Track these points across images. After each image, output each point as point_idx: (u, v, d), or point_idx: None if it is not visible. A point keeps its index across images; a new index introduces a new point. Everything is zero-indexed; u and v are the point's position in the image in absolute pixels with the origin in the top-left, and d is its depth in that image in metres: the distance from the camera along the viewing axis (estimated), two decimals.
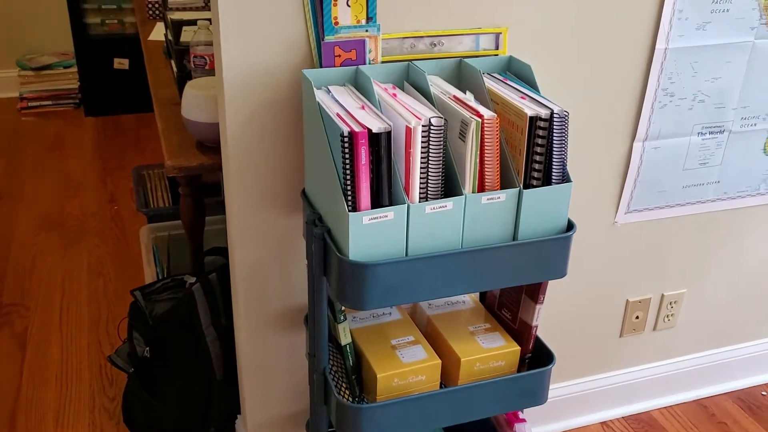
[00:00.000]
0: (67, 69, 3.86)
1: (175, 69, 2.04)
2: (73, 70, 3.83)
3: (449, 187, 1.10)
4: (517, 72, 1.25)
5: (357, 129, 1.02)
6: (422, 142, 1.04)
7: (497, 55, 1.30)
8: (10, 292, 2.43)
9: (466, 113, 1.07)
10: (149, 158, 3.27)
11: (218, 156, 1.46)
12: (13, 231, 2.79)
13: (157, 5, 2.59)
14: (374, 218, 1.04)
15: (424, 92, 1.16)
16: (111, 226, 2.85)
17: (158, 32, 2.47)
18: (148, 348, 1.73)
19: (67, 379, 2.07)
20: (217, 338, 1.67)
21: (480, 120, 1.06)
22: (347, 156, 1.02)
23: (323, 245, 1.13)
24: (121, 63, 3.69)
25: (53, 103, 3.88)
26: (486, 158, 1.08)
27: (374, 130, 1.02)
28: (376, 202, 1.06)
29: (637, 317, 1.78)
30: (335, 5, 1.16)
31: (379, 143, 1.03)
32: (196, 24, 1.91)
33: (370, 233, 1.05)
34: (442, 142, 1.05)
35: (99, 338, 2.23)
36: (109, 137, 3.62)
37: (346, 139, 1.01)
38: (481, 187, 1.10)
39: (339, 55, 1.19)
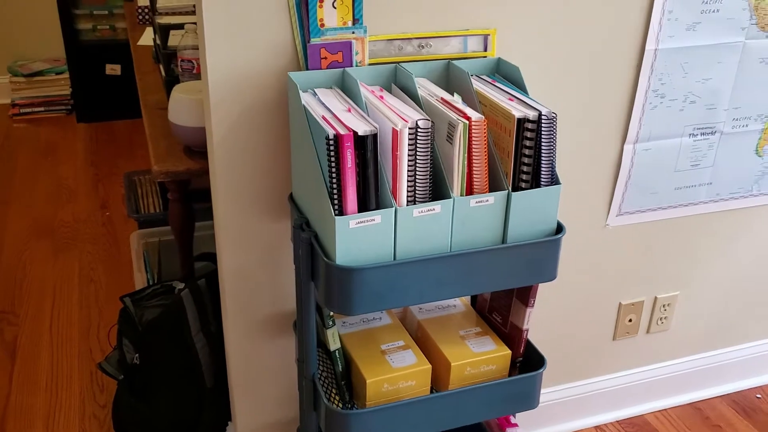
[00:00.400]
0: (59, 75, 3.85)
1: (163, 73, 2.03)
2: (65, 76, 3.81)
3: (437, 190, 1.08)
4: (505, 74, 1.24)
5: (342, 132, 1.00)
6: (409, 144, 1.03)
7: (485, 56, 1.29)
8: (0, 300, 2.41)
9: (453, 115, 1.06)
10: (141, 164, 3.25)
11: (206, 161, 1.45)
12: (4, 238, 2.77)
13: (146, 10, 2.58)
14: (361, 222, 1.03)
15: (411, 94, 1.14)
16: (103, 232, 2.83)
17: (147, 37, 2.45)
18: (137, 355, 1.71)
19: (57, 386, 2.05)
20: (207, 345, 1.66)
21: (467, 122, 1.05)
22: (333, 159, 1.01)
23: (310, 250, 1.12)
24: (113, 69, 3.67)
25: (45, 109, 3.86)
26: (474, 161, 1.07)
27: (360, 133, 1.01)
28: (363, 206, 1.04)
29: (630, 320, 1.77)
30: (321, 7, 1.15)
31: (366, 146, 1.02)
32: (183, 28, 1.90)
33: (357, 237, 1.04)
34: (429, 145, 1.04)
35: (90, 345, 2.21)
36: (101, 143, 3.61)
37: (331, 142, 1.00)
38: (469, 190, 1.09)
39: (325, 58, 1.17)
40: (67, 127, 3.77)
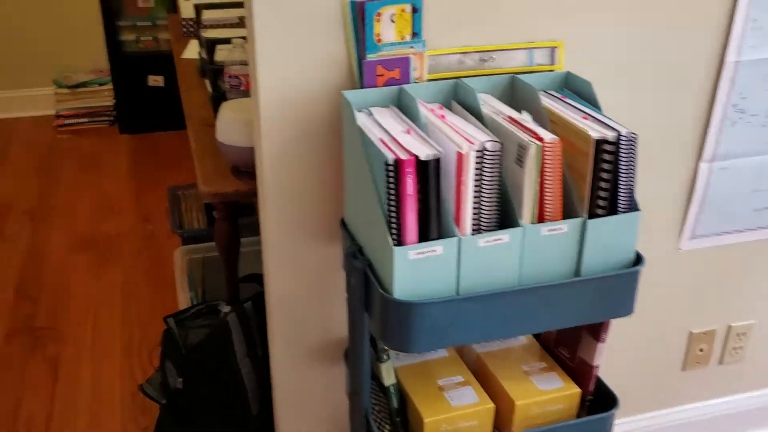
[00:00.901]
0: (102, 86, 3.85)
1: (209, 89, 1.98)
2: (109, 87, 3.82)
3: (504, 218, 1.00)
4: (575, 89, 1.14)
5: (403, 156, 0.92)
6: (475, 169, 0.95)
7: (553, 70, 1.20)
8: (43, 315, 2.39)
9: (524, 136, 0.97)
10: (184, 177, 3.21)
11: (254, 181, 1.38)
12: (47, 252, 2.76)
13: (191, 22, 2.54)
14: (421, 253, 0.95)
15: (474, 112, 1.06)
16: (145, 246, 2.80)
17: (191, 50, 2.42)
18: (180, 379, 1.66)
19: (98, 406, 2.02)
20: (253, 370, 1.60)
21: (540, 144, 0.96)
22: (392, 185, 0.93)
23: (364, 280, 1.04)
24: (156, 80, 3.66)
25: (89, 120, 3.87)
26: (546, 185, 0.98)
27: (422, 158, 0.93)
28: (424, 235, 0.96)
29: (702, 350, 1.66)
30: (378, 21, 1.07)
31: (428, 171, 0.93)
32: (230, 42, 1.85)
33: (417, 269, 0.95)
34: (497, 169, 0.96)
35: (132, 363, 2.17)
36: (144, 155, 3.60)
37: (391, 168, 0.92)
38: (540, 218, 1.00)
39: (381, 75, 1.10)
40: (110, 138, 3.77)
